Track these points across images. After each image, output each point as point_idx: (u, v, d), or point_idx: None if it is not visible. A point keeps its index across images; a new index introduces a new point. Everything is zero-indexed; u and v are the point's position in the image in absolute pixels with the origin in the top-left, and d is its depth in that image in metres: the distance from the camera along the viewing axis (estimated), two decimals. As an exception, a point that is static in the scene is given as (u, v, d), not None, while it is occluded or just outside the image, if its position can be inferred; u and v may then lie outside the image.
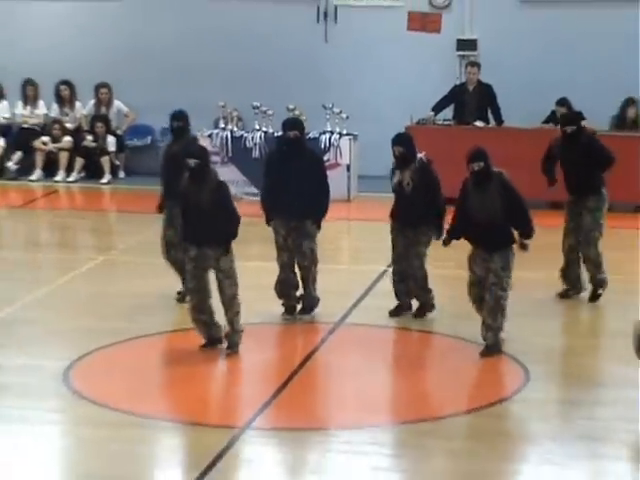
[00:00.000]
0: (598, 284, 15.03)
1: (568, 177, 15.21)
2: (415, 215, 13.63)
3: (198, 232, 12.58)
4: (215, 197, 12.65)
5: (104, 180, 22.90)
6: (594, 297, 15.03)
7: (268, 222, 14.24)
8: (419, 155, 13.64)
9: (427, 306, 14.15)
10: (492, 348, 12.82)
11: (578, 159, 14.92)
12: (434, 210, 13.68)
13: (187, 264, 12.75)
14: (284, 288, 14.23)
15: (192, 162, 12.62)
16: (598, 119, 21.02)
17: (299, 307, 14.31)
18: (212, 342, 12.95)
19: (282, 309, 14.30)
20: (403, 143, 14.12)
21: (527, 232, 12.86)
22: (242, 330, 12.81)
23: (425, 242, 13.84)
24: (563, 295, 15.11)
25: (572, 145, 15.04)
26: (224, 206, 12.70)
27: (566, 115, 15.89)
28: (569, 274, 15.08)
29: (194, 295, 12.73)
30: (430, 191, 13.65)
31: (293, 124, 14.53)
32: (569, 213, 15.17)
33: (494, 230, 12.64)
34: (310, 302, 14.32)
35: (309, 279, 14.17)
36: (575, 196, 15.10)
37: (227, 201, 12.82)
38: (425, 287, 14.01)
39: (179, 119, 15.28)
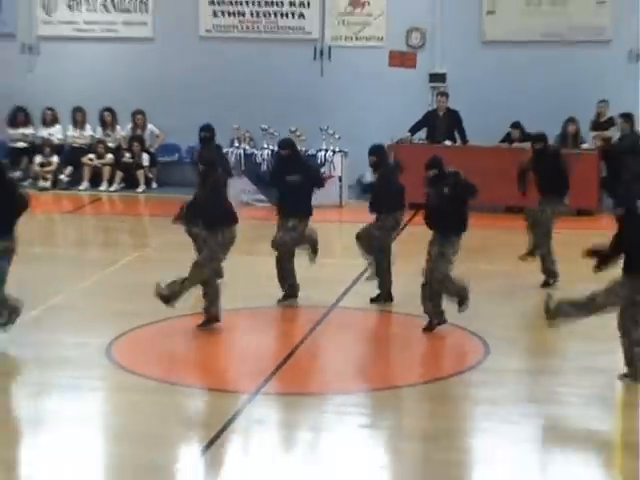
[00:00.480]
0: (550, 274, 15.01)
1: (540, 182, 15.20)
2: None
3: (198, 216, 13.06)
4: (210, 193, 13.01)
5: (139, 190, 22.88)
6: (546, 285, 14.97)
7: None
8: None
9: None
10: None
11: (547, 167, 15.05)
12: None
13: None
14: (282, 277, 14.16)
15: (201, 167, 13.21)
16: (548, 135, 21.00)
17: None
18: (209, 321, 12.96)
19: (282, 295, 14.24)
20: (374, 153, 14.15)
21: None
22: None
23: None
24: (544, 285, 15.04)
25: (541, 157, 15.19)
26: (213, 199, 12.96)
27: (535, 136, 15.79)
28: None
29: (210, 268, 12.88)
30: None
31: (285, 144, 14.54)
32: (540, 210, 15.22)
33: (441, 218, 12.66)
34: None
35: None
36: (545, 197, 15.12)
37: (216, 195, 13.09)
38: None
39: (206, 130, 16.32)
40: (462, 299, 12.87)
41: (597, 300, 11.15)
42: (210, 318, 12.90)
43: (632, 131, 20.94)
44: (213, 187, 13.11)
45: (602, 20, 22.08)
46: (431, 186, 12.86)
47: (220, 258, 13.02)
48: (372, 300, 14.13)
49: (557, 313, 11.48)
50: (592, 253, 11.46)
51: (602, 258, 11.29)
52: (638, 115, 20.98)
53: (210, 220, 12.85)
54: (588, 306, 11.21)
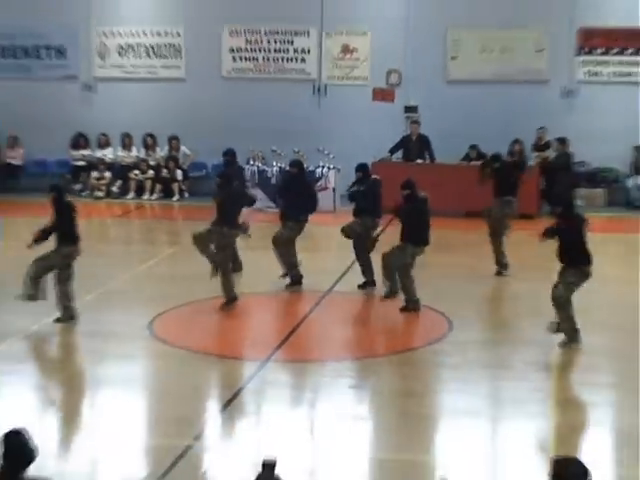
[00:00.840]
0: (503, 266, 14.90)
1: (497, 187, 15.15)
2: None
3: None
4: (221, 200, 13.10)
5: (174, 199, 22.74)
6: (499, 274, 14.87)
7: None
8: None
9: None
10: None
11: (503, 177, 15.06)
12: None
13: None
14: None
15: (217, 180, 13.58)
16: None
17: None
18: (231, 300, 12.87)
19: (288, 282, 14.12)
20: (360, 170, 14.23)
21: None
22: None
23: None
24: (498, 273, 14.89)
25: (499, 170, 15.15)
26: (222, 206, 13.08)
27: (493, 156, 15.87)
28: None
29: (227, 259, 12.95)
30: None
31: (294, 164, 14.56)
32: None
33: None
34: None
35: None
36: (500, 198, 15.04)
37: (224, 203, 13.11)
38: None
39: (227, 154, 16.21)
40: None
41: (568, 297, 11.10)
42: (229, 299, 12.83)
43: (565, 152, 20.89)
44: (223, 196, 13.13)
45: (540, 64, 22.02)
46: (404, 203, 12.84)
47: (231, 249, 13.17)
48: (359, 286, 14.04)
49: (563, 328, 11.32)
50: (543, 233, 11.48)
51: (546, 232, 11.28)
52: (570, 138, 20.94)
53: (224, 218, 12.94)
54: (568, 305, 11.14)
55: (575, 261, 11.09)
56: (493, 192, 15.22)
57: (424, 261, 13.28)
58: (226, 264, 12.89)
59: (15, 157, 23.75)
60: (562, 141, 20.91)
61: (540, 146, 21.53)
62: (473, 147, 21.08)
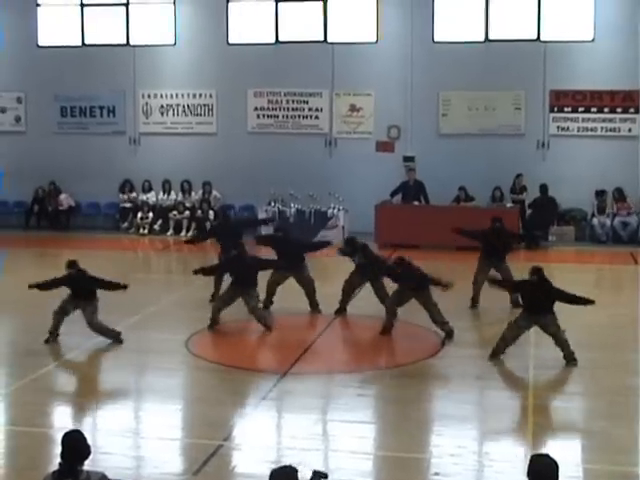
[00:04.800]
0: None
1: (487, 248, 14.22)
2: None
3: None
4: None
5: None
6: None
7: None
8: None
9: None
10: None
11: (498, 241, 14.21)
12: None
13: None
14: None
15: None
16: (483, 197, 21.12)
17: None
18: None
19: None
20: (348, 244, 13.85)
21: None
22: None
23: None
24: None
25: (494, 232, 14.31)
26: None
27: (495, 218, 14.56)
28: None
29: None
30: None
31: (278, 229, 14.98)
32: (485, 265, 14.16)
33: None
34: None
35: None
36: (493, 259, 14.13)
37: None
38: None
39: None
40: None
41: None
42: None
43: (546, 194, 21.00)
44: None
45: (518, 120, 22.04)
46: (395, 280, 12.62)
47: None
48: (336, 312, 13.74)
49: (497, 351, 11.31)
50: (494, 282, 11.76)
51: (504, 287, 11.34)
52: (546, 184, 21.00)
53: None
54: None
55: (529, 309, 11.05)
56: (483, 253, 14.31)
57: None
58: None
59: (61, 204, 23.71)
60: (543, 187, 21.00)
61: (517, 190, 21.58)
62: (461, 189, 21.19)
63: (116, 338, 11.90)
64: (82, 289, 11.71)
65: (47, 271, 12.90)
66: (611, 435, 8.76)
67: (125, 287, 11.90)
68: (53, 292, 11.94)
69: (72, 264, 11.87)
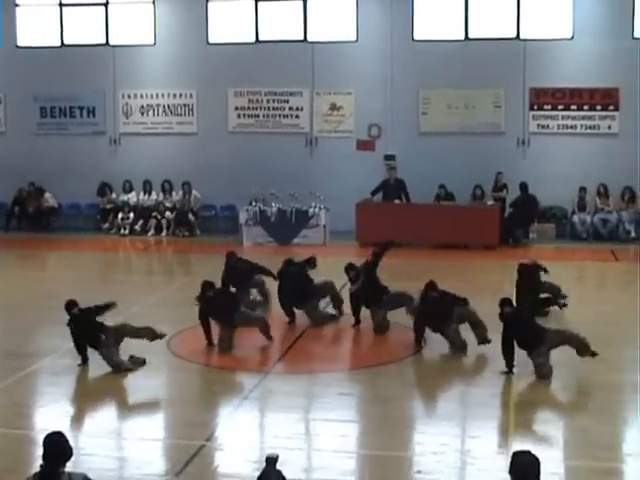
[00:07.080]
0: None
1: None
2: None
3: None
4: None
5: (187, 235, 22.73)
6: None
7: None
8: None
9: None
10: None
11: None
12: None
13: None
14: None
15: None
16: (464, 195, 21.17)
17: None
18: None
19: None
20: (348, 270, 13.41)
21: None
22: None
23: None
24: None
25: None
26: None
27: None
28: None
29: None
30: None
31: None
32: None
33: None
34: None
35: None
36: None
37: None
38: None
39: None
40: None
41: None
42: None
43: (526, 193, 21.09)
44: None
45: (498, 118, 22.14)
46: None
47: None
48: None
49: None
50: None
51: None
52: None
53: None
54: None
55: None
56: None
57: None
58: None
59: (47, 202, 23.72)
60: (523, 185, 21.08)
61: (497, 188, 21.67)
62: (441, 187, 21.33)
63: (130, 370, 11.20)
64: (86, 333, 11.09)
65: (29, 273, 12.84)
66: (593, 431, 8.81)
67: (114, 305, 11.72)
68: (38, 294, 11.87)
69: (72, 305, 11.15)
